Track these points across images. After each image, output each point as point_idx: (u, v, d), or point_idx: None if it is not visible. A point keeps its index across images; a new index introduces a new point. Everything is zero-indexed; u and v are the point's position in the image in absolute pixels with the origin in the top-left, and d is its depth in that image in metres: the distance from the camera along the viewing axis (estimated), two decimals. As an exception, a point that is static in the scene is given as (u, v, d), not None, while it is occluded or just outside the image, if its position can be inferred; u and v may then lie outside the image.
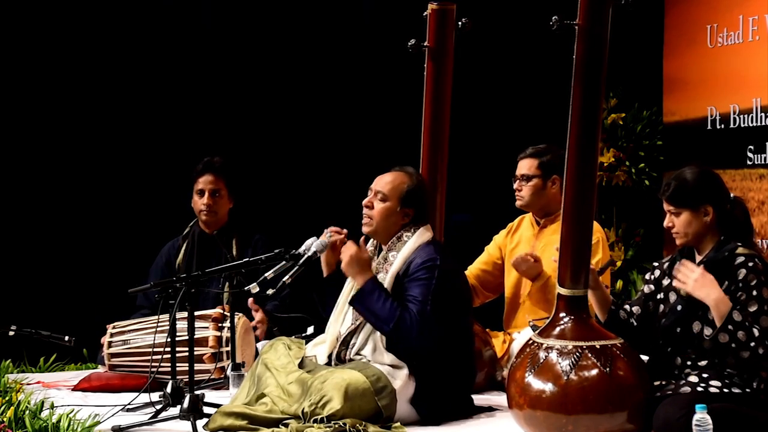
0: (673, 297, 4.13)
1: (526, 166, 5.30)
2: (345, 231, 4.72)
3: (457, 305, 4.55)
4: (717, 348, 3.94)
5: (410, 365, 4.41)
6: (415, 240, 4.55)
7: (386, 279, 4.50)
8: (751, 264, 3.96)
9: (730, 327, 3.86)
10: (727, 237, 4.05)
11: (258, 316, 5.47)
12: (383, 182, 4.62)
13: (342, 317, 4.62)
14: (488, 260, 5.49)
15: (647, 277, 4.28)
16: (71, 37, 6.46)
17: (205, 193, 5.71)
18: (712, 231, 4.06)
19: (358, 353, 4.50)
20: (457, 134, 5.11)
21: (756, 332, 3.86)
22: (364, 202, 4.62)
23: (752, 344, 3.84)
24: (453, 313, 4.50)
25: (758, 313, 3.90)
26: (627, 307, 4.26)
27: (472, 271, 5.47)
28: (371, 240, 4.72)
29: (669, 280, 4.17)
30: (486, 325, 5.30)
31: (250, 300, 5.37)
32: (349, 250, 4.52)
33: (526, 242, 5.36)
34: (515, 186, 5.32)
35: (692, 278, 3.93)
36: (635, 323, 4.21)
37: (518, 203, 5.33)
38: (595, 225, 5.18)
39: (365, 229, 4.64)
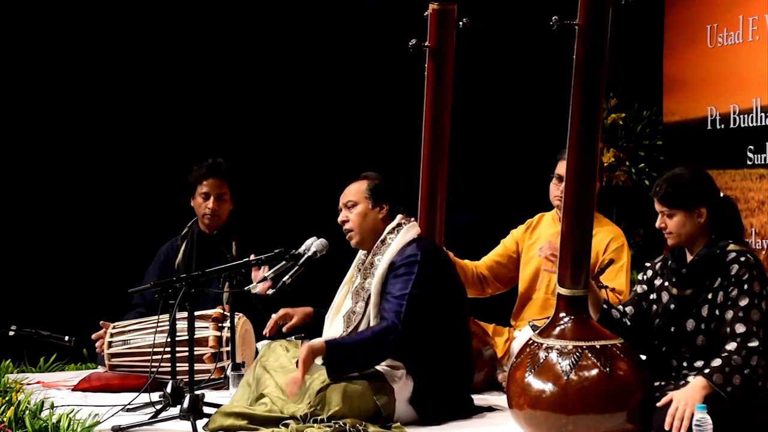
0: (665, 297, 4.13)
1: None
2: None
3: (446, 299, 4.53)
4: (711, 347, 3.95)
5: (407, 364, 4.41)
6: (398, 241, 4.54)
7: (373, 282, 4.49)
8: (743, 259, 3.96)
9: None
10: (718, 236, 4.04)
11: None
12: (347, 192, 4.65)
13: (332, 326, 4.62)
14: (503, 253, 5.52)
15: (640, 277, 4.27)
16: (71, 37, 6.45)
17: (210, 197, 5.69)
18: (704, 231, 4.05)
19: None
20: (458, 134, 5.11)
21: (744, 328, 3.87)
22: (339, 219, 4.63)
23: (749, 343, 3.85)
24: (440, 307, 4.48)
25: (749, 307, 3.90)
26: (620, 307, 4.25)
27: (485, 261, 5.51)
28: (359, 253, 4.72)
29: (661, 280, 4.17)
30: (492, 320, 5.30)
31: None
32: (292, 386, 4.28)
33: (545, 239, 5.34)
34: (553, 183, 5.23)
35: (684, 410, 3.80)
36: (629, 323, 4.21)
37: (558, 203, 5.19)
38: (617, 230, 5.20)
39: (353, 243, 4.65)
